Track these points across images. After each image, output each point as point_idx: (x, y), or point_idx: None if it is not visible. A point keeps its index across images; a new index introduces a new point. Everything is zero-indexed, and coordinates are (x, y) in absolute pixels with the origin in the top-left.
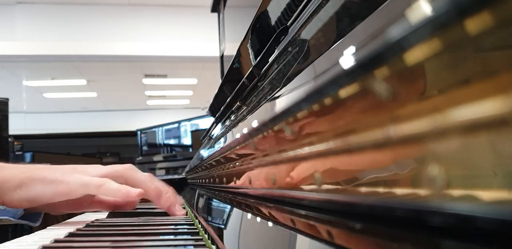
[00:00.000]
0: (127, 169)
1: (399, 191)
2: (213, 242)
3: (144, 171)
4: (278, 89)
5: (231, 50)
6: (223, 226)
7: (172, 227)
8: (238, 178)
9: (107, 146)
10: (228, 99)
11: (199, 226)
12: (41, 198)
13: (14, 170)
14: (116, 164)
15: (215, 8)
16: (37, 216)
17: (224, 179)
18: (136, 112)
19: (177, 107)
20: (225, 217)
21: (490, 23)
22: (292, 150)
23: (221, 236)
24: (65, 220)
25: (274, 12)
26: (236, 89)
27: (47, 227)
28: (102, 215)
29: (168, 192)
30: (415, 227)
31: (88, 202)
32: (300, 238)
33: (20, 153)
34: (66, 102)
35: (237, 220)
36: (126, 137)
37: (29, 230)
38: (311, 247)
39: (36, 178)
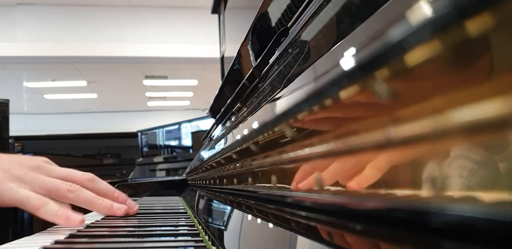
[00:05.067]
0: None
1: (399, 192)
2: (214, 244)
3: (144, 172)
4: (279, 90)
5: (231, 51)
6: (223, 228)
7: (173, 228)
8: (239, 179)
9: (108, 147)
10: (229, 100)
11: (200, 227)
12: None
13: None
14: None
15: (216, 9)
16: None
17: (225, 180)
18: (136, 113)
19: (177, 108)
20: (225, 218)
21: (490, 24)
22: (292, 151)
23: (221, 238)
24: None
25: (275, 13)
26: (237, 90)
27: (48, 228)
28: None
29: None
30: (416, 228)
31: None
32: (301, 239)
33: (21, 154)
34: (67, 103)
35: (238, 221)
36: (127, 138)
37: (30, 231)
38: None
39: None
